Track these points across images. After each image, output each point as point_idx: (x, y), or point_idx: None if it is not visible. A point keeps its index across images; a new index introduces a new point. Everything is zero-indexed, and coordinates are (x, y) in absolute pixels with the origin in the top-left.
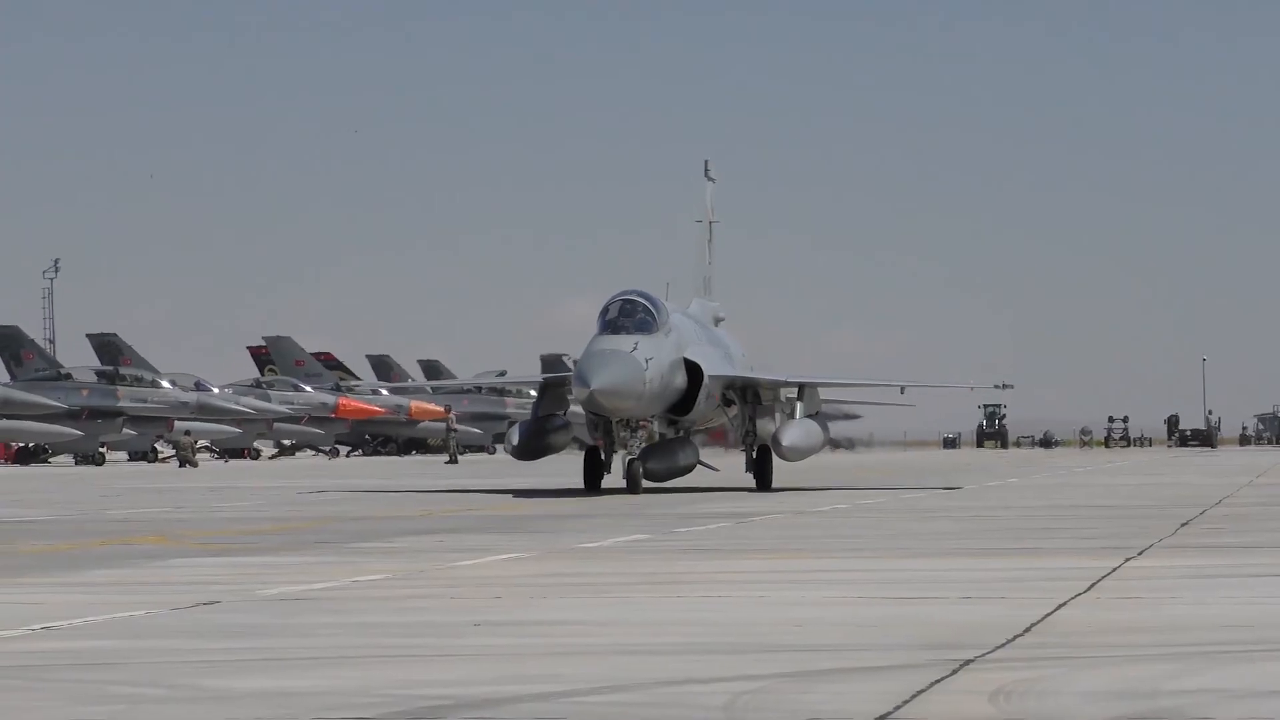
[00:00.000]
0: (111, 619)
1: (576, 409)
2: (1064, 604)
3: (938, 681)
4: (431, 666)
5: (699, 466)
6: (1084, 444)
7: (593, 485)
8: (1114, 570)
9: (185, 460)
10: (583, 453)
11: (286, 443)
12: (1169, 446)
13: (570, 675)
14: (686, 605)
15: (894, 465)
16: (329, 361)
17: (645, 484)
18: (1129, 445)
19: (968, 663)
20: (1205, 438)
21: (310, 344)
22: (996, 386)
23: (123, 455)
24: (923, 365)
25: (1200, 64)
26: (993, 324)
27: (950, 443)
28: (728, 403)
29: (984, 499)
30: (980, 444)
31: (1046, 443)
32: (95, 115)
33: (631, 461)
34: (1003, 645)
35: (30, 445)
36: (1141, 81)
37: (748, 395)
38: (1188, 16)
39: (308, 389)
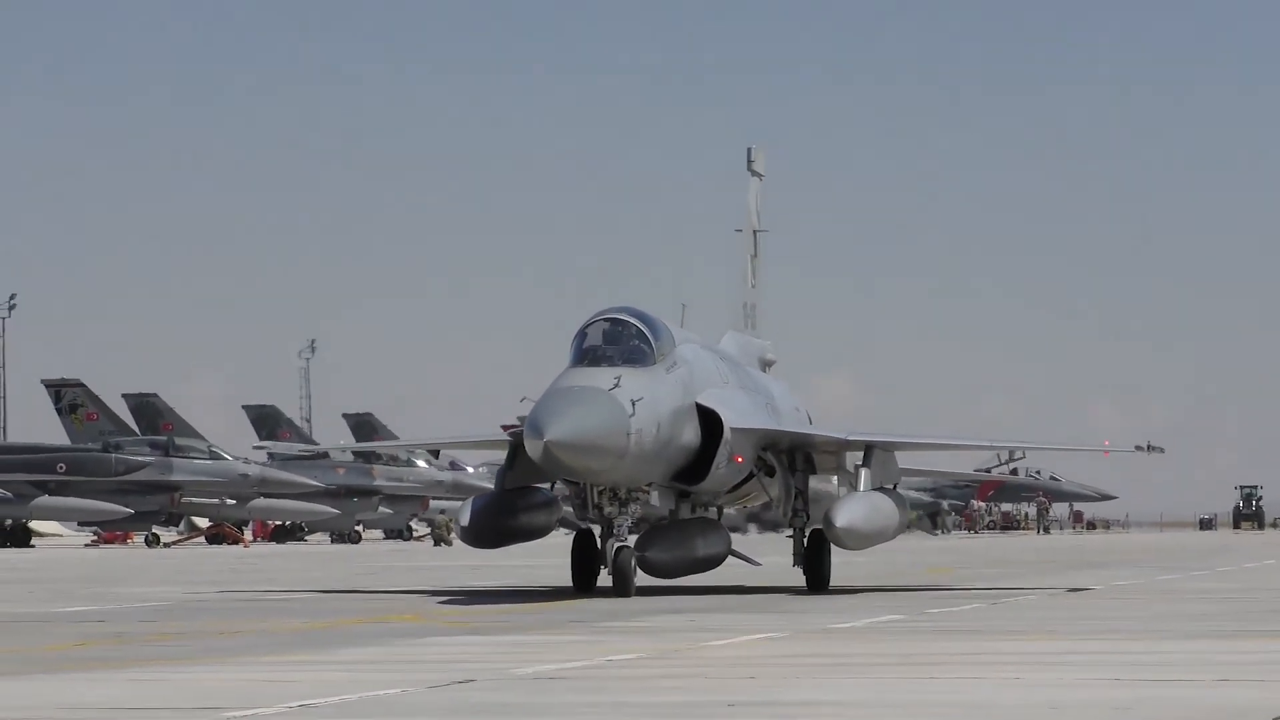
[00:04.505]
0: (368, 697)
1: None
2: None
3: None
4: None
5: (731, 558)
6: None
7: (584, 584)
8: None
9: (440, 539)
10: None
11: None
12: None
13: None
14: (940, 686)
15: (1133, 547)
16: None
17: (650, 579)
18: None
19: None
20: None
21: None
22: (1139, 448)
23: (378, 534)
24: (1171, 444)
25: None
26: (1250, 401)
27: (1206, 524)
28: (769, 471)
29: (1242, 581)
30: (1237, 525)
31: None
32: (347, 200)
33: (620, 550)
34: None
35: (287, 524)
36: None
37: (797, 460)
38: None
39: None
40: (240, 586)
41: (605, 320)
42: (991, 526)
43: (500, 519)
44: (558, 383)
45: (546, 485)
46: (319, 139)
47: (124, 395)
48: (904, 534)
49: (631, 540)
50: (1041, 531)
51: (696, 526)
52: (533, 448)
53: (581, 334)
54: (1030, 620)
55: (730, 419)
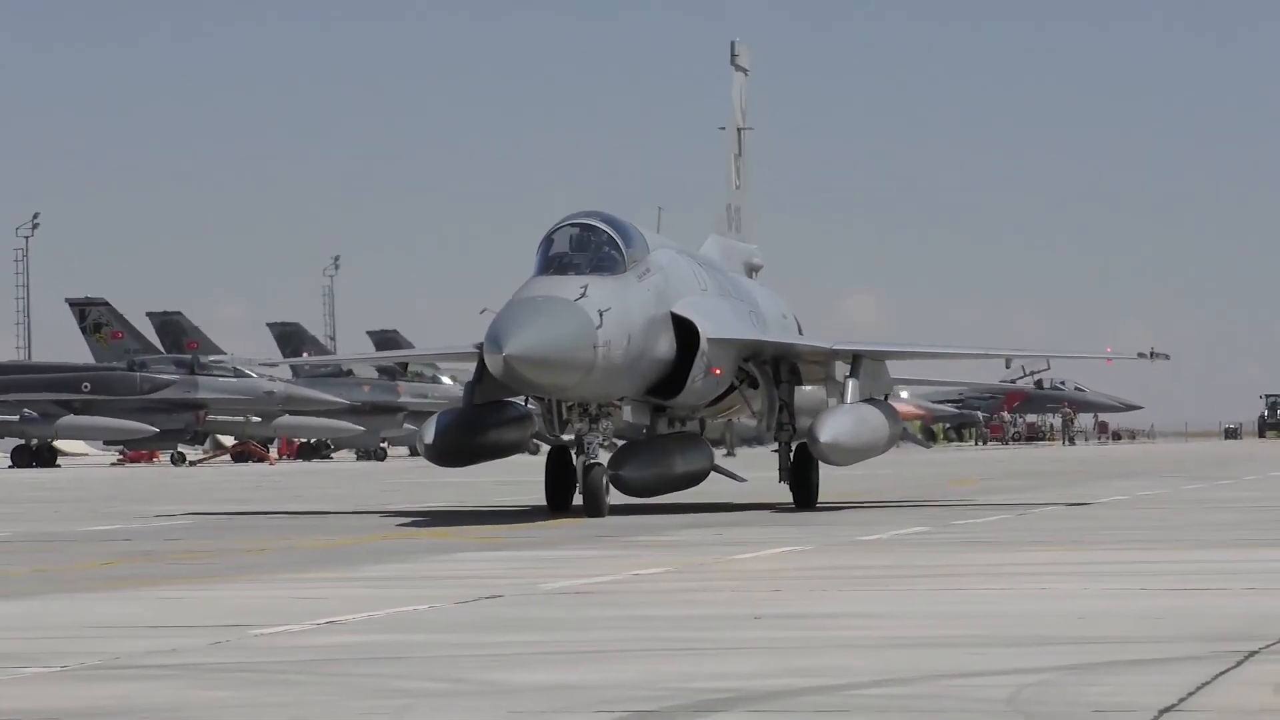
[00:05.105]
0: (395, 613)
1: None
2: None
3: (1222, 673)
4: (712, 659)
5: (714, 475)
6: None
7: (559, 502)
8: None
9: None
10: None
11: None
12: None
13: (851, 668)
14: (966, 598)
15: (1158, 457)
16: None
17: (626, 499)
18: None
19: (1253, 654)
20: None
21: None
22: (1142, 355)
23: (404, 450)
24: (1196, 354)
25: None
26: (1276, 310)
27: (1232, 433)
28: (752, 383)
29: (1268, 490)
30: (1262, 434)
31: None
32: (371, 118)
33: (591, 467)
34: None
35: (312, 441)
36: None
37: (782, 371)
38: None
39: None
40: (266, 505)
41: (572, 226)
42: (1017, 438)
43: (468, 436)
44: (520, 293)
45: (520, 399)
46: (339, 56)
47: (149, 314)
48: (896, 447)
49: (606, 458)
50: (1067, 442)
51: (675, 442)
52: (493, 362)
53: (547, 240)
54: (1056, 531)
55: (707, 329)
